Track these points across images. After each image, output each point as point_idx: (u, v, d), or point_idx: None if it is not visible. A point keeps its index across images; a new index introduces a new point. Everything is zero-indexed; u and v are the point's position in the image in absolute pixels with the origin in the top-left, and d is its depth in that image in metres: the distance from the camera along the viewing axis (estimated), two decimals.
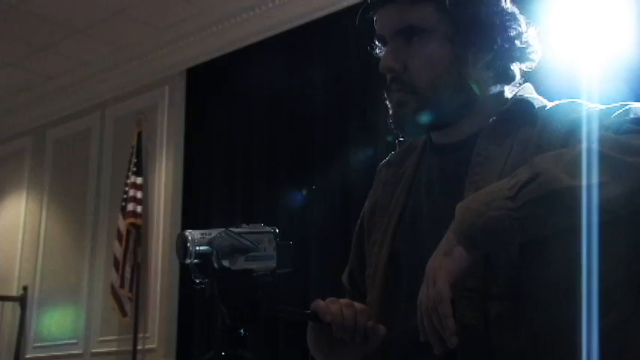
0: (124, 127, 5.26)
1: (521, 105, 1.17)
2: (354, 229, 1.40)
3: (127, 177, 4.91)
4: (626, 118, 1.04)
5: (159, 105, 5.11)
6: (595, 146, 0.97)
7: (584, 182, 0.94)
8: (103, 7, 4.63)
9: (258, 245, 1.00)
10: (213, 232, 0.98)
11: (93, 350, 5.07)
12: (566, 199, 0.94)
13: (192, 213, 4.75)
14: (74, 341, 5.20)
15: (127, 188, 4.87)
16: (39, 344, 5.43)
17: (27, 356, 5.47)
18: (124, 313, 4.70)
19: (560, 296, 1.03)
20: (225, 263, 0.97)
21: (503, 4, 1.18)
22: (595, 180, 0.94)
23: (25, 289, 5.57)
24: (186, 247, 0.97)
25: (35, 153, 6.01)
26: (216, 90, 4.84)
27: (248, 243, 0.98)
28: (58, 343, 5.30)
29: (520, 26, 1.18)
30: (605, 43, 2.98)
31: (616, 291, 1.02)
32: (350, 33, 3.93)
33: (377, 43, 1.25)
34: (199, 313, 4.49)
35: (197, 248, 0.97)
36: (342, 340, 1.15)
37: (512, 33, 1.17)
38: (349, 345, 1.17)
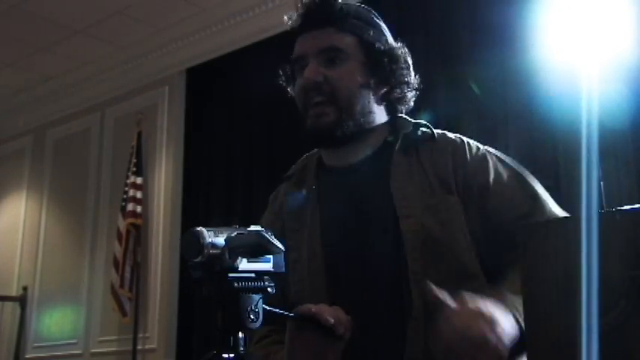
0: (124, 127, 5.26)
1: (420, 127, 1.41)
2: None
3: (127, 177, 4.92)
4: None
5: (159, 105, 5.11)
6: None
7: None
8: (103, 7, 4.64)
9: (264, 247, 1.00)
10: (224, 231, 0.97)
11: (93, 350, 5.07)
12: None
13: (192, 213, 4.75)
14: (74, 341, 5.20)
15: (126, 188, 4.87)
16: (39, 344, 5.44)
17: (27, 356, 5.47)
18: (123, 313, 4.70)
19: (560, 296, 1.03)
20: (233, 263, 0.96)
21: (405, 55, 1.43)
22: None
23: (25, 289, 5.57)
24: (199, 245, 0.95)
25: (35, 153, 6.01)
26: (216, 90, 4.84)
27: (269, 245, 0.97)
28: (58, 343, 5.31)
29: (411, 76, 1.43)
30: (605, 43, 2.98)
31: (616, 291, 1.02)
32: None
33: (288, 69, 1.49)
34: (199, 313, 4.49)
35: (211, 244, 0.95)
36: (327, 339, 1.18)
37: (405, 79, 1.42)
38: (335, 342, 1.18)
